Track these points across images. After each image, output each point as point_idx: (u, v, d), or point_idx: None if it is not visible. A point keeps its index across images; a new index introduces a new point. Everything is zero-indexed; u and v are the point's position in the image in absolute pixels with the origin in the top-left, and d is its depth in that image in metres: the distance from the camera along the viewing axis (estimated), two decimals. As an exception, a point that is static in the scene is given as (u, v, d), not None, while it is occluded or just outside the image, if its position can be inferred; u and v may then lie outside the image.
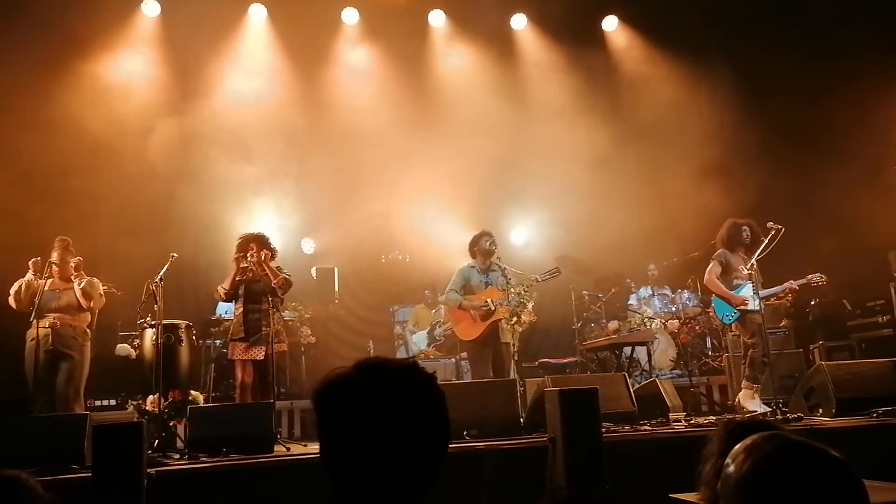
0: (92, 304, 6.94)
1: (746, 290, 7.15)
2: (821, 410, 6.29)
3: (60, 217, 7.52)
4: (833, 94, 8.91)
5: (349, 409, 1.42)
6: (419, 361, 9.52)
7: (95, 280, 6.97)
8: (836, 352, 9.01)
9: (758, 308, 7.01)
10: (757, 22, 9.86)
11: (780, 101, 9.82)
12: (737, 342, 8.17)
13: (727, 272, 7.33)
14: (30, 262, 6.78)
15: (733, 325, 7.43)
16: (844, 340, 9.26)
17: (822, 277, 7.31)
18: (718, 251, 7.48)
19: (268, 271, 6.94)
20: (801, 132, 9.38)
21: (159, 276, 6.60)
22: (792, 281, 7.31)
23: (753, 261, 6.99)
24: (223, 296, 7.16)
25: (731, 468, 1.33)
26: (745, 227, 7.40)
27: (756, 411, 6.68)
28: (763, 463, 1.30)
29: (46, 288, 6.71)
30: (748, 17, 9.98)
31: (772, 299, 7.55)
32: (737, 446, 1.38)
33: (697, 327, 9.70)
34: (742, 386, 7.13)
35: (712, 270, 7.37)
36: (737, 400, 7.23)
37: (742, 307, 7.10)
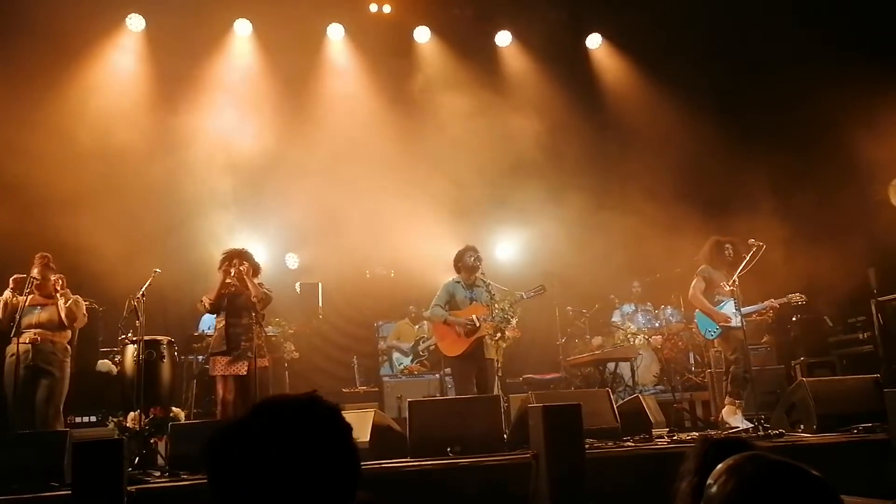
0: (75, 324, 6.89)
1: (729, 307, 7.21)
2: (802, 426, 6.33)
3: (41, 233, 7.46)
4: (815, 113, 9.01)
5: (238, 457, 1.34)
6: (404, 374, 9.53)
7: (80, 300, 6.92)
8: (818, 368, 9.08)
9: (740, 325, 7.07)
10: (740, 39, 9.96)
11: (762, 121, 9.94)
12: (719, 358, 8.20)
13: (710, 288, 7.39)
14: (10, 280, 6.72)
15: (716, 340, 7.48)
16: (825, 357, 9.33)
17: (802, 297, 7.38)
18: (702, 267, 7.54)
19: (249, 285, 6.92)
20: (783, 150, 9.46)
21: (141, 292, 6.58)
22: (773, 299, 7.39)
23: (735, 277, 7.05)
24: (208, 307, 7.13)
25: (714, 489, 1.34)
26: (727, 245, 7.45)
27: (738, 427, 6.71)
28: (746, 483, 1.31)
29: (27, 304, 6.64)
30: (732, 32, 10.08)
31: (753, 316, 7.61)
32: (719, 466, 1.39)
33: (680, 343, 9.74)
34: (725, 402, 7.16)
35: (696, 286, 7.43)
36: (720, 416, 7.26)
37: (725, 324, 7.16)
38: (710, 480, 1.38)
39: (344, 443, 1.41)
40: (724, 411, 7.14)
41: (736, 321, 7.08)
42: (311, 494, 1.34)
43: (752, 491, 1.30)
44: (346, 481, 1.39)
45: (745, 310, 7.19)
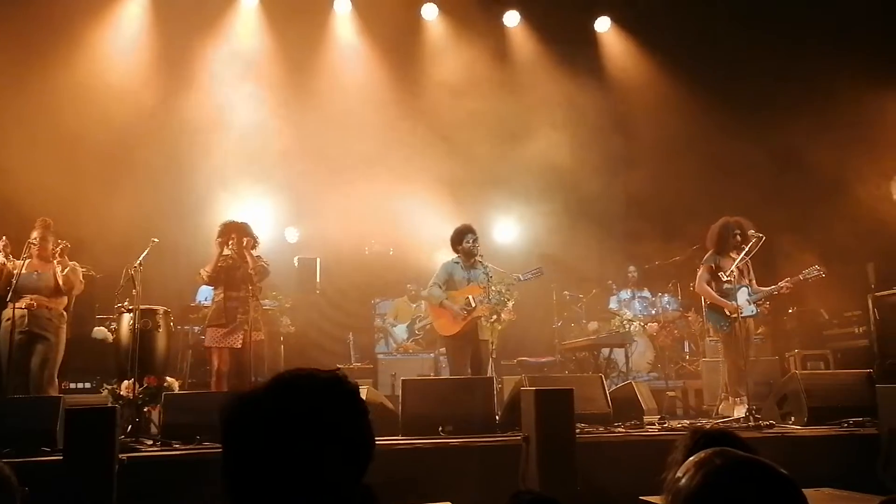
0: (73, 292, 6.89)
1: (741, 296, 7.04)
2: (793, 418, 6.34)
3: (42, 199, 7.43)
4: (818, 106, 8.98)
5: (255, 433, 1.33)
6: (398, 351, 9.55)
7: (78, 267, 6.91)
8: (812, 360, 9.10)
9: (752, 313, 6.99)
10: (753, 27, 9.87)
11: (765, 113, 9.88)
12: (714, 348, 8.22)
13: (717, 277, 7.22)
14: (0, 246, 6.70)
15: (720, 334, 7.36)
16: (820, 349, 9.35)
17: (819, 269, 7.10)
18: (707, 256, 7.38)
19: (247, 258, 6.93)
20: (784, 143, 9.42)
21: (139, 261, 6.56)
22: (788, 279, 7.17)
23: (734, 268, 6.95)
24: (206, 279, 7.16)
25: (683, 481, 1.37)
26: (737, 229, 7.21)
27: (729, 417, 6.72)
28: (712, 478, 1.33)
29: (24, 269, 6.63)
30: (740, 25, 10.00)
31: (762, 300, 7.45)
32: (688, 460, 1.42)
33: (676, 331, 9.77)
34: (730, 400, 7.13)
35: (702, 277, 7.28)
36: (717, 409, 7.28)
37: (735, 314, 6.96)
38: (679, 473, 1.40)
39: (361, 421, 1.42)
40: (721, 406, 7.16)
41: (748, 310, 6.96)
42: (324, 473, 1.34)
43: (718, 485, 1.32)
44: (358, 463, 1.39)
45: (755, 296, 7.09)
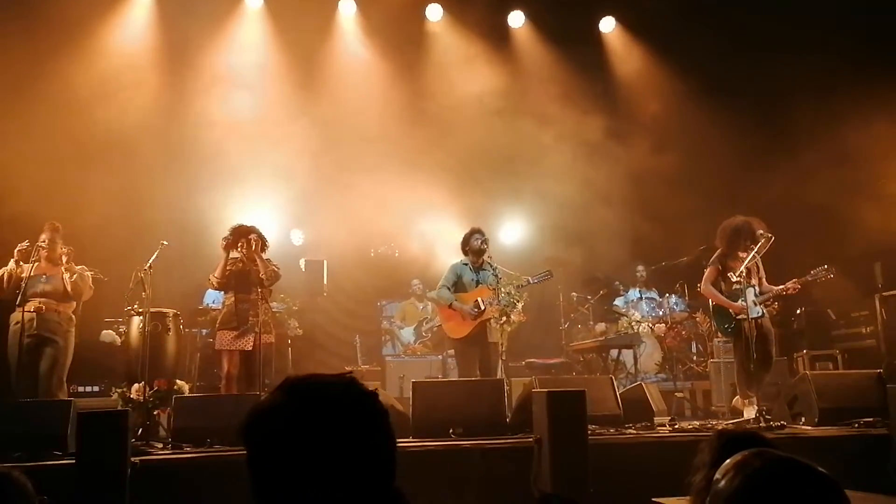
0: (82, 298, 6.90)
1: (748, 296, 6.92)
2: (803, 419, 6.33)
3: (49, 202, 7.43)
4: (824, 104, 8.95)
5: (280, 442, 1.33)
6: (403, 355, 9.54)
7: (86, 274, 6.91)
8: (820, 361, 9.09)
9: (759, 314, 6.94)
10: (759, 31, 9.84)
11: (771, 111, 9.87)
12: (722, 348, 8.19)
13: (726, 278, 7.12)
14: (15, 251, 6.71)
15: (728, 335, 7.31)
16: (828, 350, 9.34)
17: (828, 270, 7.00)
18: (714, 256, 7.32)
19: (258, 261, 6.93)
20: (791, 142, 9.41)
21: (148, 264, 6.57)
22: (795, 280, 7.07)
23: (743, 269, 6.90)
24: (215, 284, 7.15)
25: (722, 483, 1.36)
26: (749, 230, 7.08)
27: (744, 417, 6.69)
28: (753, 479, 1.33)
29: (33, 273, 6.63)
30: (744, 21, 9.97)
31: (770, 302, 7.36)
32: (727, 462, 1.41)
33: (684, 332, 9.74)
34: (740, 397, 7.10)
35: (708, 278, 7.22)
36: (733, 403, 7.26)
37: (741, 315, 6.91)
38: (717, 475, 1.40)
39: (383, 424, 1.40)
40: (735, 400, 7.14)
41: (754, 311, 6.90)
42: (348, 480, 1.33)
43: (760, 487, 1.32)
44: (382, 468, 1.38)
45: (763, 296, 7.03)
